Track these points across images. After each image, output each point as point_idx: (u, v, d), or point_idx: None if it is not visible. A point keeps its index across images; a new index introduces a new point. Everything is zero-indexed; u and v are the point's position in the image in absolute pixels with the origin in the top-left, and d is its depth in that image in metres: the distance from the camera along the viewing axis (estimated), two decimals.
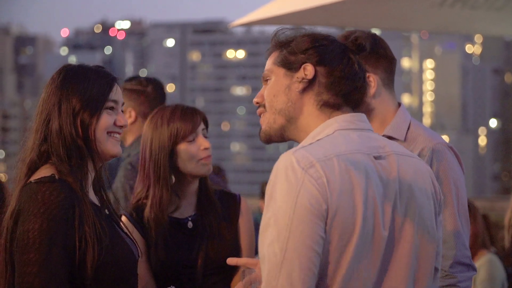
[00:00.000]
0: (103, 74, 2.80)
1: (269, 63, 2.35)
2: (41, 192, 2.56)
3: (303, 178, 2.08)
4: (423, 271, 2.25)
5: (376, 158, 2.20)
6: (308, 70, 2.26)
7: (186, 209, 3.38)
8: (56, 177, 2.60)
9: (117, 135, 2.79)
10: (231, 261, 2.67)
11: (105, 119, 2.73)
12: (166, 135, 3.30)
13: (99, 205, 2.77)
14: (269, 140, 2.35)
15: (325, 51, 2.28)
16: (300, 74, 2.27)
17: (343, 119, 2.25)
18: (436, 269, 2.35)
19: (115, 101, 2.78)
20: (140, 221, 3.29)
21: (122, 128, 2.80)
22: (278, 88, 2.30)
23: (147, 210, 3.29)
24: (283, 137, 2.33)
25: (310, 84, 2.26)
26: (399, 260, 2.20)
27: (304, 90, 2.27)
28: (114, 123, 2.77)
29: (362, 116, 2.29)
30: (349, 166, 2.13)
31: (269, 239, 2.08)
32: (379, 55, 3.14)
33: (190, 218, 3.35)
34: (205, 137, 3.38)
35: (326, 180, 2.09)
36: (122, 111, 2.83)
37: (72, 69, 2.77)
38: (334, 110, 2.26)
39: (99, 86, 2.74)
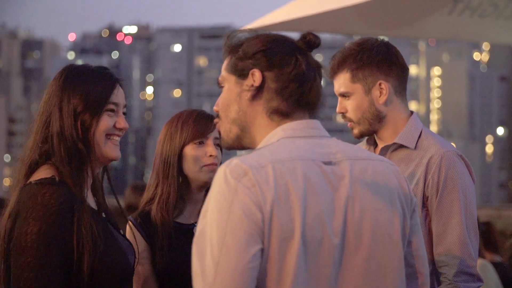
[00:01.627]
0: (106, 75, 2.76)
1: (222, 69, 2.29)
2: (41, 194, 2.52)
3: (236, 188, 2.02)
4: (389, 277, 2.15)
5: (325, 163, 2.12)
6: (256, 76, 2.19)
7: (191, 215, 3.40)
8: (57, 179, 2.57)
9: (117, 138, 2.76)
10: None
11: (105, 121, 2.70)
12: (178, 135, 3.35)
13: (97, 208, 2.74)
14: (229, 147, 2.28)
15: (272, 54, 2.19)
16: (249, 81, 2.20)
17: (289, 127, 2.18)
18: (418, 273, 2.28)
19: (116, 104, 2.75)
20: (144, 226, 3.32)
21: (122, 131, 2.76)
22: (230, 97, 2.24)
23: (153, 209, 3.32)
24: (242, 145, 2.26)
25: (259, 91, 2.19)
26: (355, 267, 2.11)
27: (253, 98, 2.20)
28: (114, 126, 2.74)
29: (314, 122, 2.21)
30: (285, 172, 2.05)
31: (204, 256, 2.01)
32: (391, 62, 3.16)
33: (195, 224, 3.34)
34: (218, 146, 3.39)
35: (259, 188, 2.02)
36: (124, 113, 2.79)
37: (74, 70, 2.75)
38: (284, 118, 2.19)
39: (101, 88, 2.71)
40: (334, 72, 3.19)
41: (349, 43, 3.21)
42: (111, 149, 2.73)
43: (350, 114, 3.18)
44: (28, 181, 2.60)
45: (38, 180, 2.57)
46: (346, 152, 2.18)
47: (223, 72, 2.28)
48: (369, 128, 3.19)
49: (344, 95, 3.19)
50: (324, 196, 2.08)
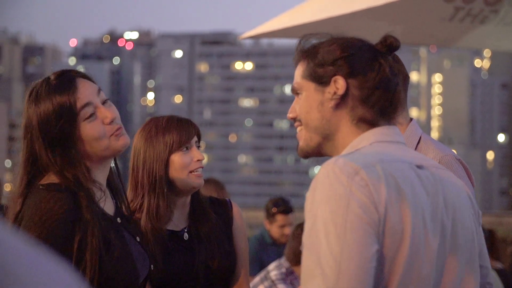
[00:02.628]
0: (63, 81, 2.58)
1: (297, 76, 2.19)
2: (46, 200, 2.48)
3: (350, 187, 1.92)
4: (472, 282, 2.13)
5: (418, 167, 2.08)
6: (340, 84, 2.11)
7: (180, 221, 3.32)
8: (63, 186, 2.51)
9: (117, 129, 2.60)
10: None
11: (91, 130, 2.57)
12: (162, 144, 3.25)
13: (113, 210, 2.68)
14: (306, 156, 2.22)
15: (355, 60, 2.12)
16: (331, 88, 2.11)
17: (379, 132, 2.11)
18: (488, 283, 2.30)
19: (88, 104, 2.57)
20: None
21: (115, 121, 2.60)
22: (310, 105, 2.15)
23: (143, 222, 3.21)
24: (321, 153, 2.19)
25: (342, 99, 2.11)
26: (452, 270, 2.08)
27: (337, 106, 2.11)
28: (103, 123, 2.58)
29: (396, 129, 2.16)
30: (394, 172, 1.99)
31: (322, 259, 1.89)
32: None
33: (185, 230, 3.30)
34: (198, 148, 3.35)
35: (372, 187, 1.94)
36: (106, 99, 2.61)
37: (34, 98, 2.58)
38: (372, 126, 2.12)
39: (59, 105, 2.54)
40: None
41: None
42: (116, 142, 2.60)
43: None
44: (38, 184, 2.55)
45: (46, 184, 2.53)
46: (426, 160, 2.15)
47: (299, 79, 2.18)
48: None
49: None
50: (423, 199, 2.04)
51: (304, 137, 2.18)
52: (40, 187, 2.53)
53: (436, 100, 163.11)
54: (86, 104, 2.56)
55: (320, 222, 1.91)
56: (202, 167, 3.31)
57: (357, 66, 2.11)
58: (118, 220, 2.68)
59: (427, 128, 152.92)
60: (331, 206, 1.91)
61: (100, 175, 2.64)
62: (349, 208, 1.91)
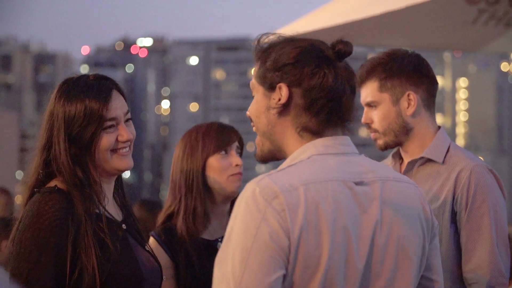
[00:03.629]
0: (99, 89, 2.68)
1: (253, 75, 2.27)
2: (38, 202, 2.56)
3: (265, 211, 1.98)
4: None
5: (356, 184, 2.10)
6: (283, 92, 2.15)
7: (216, 230, 3.37)
8: (57, 188, 2.59)
9: (125, 150, 2.71)
10: None
11: (105, 140, 2.67)
12: (200, 147, 3.31)
13: (120, 219, 2.73)
14: (263, 160, 2.25)
15: (300, 68, 2.14)
16: (276, 95, 2.16)
17: (321, 143, 2.14)
18: None
19: (114, 118, 2.69)
20: (168, 242, 3.26)
21: (128, 142, 2.72)
22: (259, 109, 2.21)
23: (179, 224, 3.26)
24: (275, 157, 2.24)
25: (286, 107, 2.16)
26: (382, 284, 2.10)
27: (280, 114, 2.17)
28: (117, 139, 2.69)
29: (345, 139, 2.17)
30: (316, 195, 2.03)
31: (225, 275, 1.99)
32: (422, 74, 3.15)
33: (219, 240, 3.32)
34: (239, 154, 3.40)
35: (289, 213, 1.99)
36: (129, 119, 2.74)
37: (67, 89, 2.69)
38: (316, 136, 2.15)
39: (94, 106, 2.65)
40: (362, 81, 3.17)
41: (378, 53, 3.21)
42: (118, 161, 2.69)
43: (376, 125, 3.16)
44: (36, 191, 2.63)
45: (41, 189, 2.60)
46: (376, 172, 2.15)
47: (253, 80, 2.24)
48: (395, 139, 3.16)
49: (370, 105, 3.17)
50: (353, 219, 2.05)
51: (258, 143, 2.24)
52: (36, 192, 2.61)
53: (462, 106, 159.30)
54: (113, 118, 2.68)
55: (232, 240, 2.00)
56: (241, 173, 3.35)
57: (301, 75, 2.13)
58: (124, 226, 2.72)
59: (452, 135, 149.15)
60: (243, 227, 1.98)
61: (105, 186, 2.73)
62: (258, 233, 1.96)
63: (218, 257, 2.02)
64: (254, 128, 2.25)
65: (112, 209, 2.72)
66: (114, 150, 2.67)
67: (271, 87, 2.16)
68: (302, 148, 2.13)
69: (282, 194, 1.99)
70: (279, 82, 2.14)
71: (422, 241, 2.16)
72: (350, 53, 2.16)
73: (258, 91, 2.20)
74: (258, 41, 2.21)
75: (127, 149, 2.70)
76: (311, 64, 2.12)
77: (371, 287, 2.07)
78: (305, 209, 1.99)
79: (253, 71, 2.25)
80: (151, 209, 6.16)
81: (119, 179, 2.81)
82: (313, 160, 2.10)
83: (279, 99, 2.14)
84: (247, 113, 2.25)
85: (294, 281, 1.98)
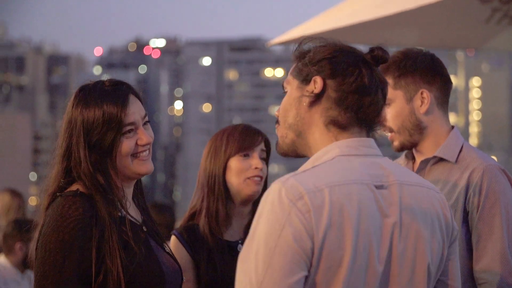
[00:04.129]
0: (116, 95, 2.70)
1: (289, 74, 2.30)
2: (62, 206, 2.57)
3: (290, 212, 2.00)
4: None
5: (377, 187, 2.12)
6: (317, 83, 2.18)
7: (236, 231, 3.39)
8: (79, 191, 2.61)
9: (144, 153, 2.73)
10: None
11: (125, 145, 2.68)
12: (224, 148, 3.34)
13: (140, 221, 2.75)
14: (284, 154, 2.27)
15: (336, 63, 2.19)
16: (310, 87, 2.20)
17: (346, 144, 2.16)
18: None
19: (132, 123, 2.70)
20: (189, 241, 3.29)
21: (147, 146, 2.73)
22: (290, 101, 2.24)
23: (201, 223, 3.29)
24: (297, 153, 2.25)
25: (318, 98, 2.18)
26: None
27: (312, 105, 2.19)
28: (137, 143, 2.71)
29: (369, 141, 2.20)
30: (341, 197, 2.05)
31: (247, 273, 2.01)
32: (436, 72, 3.16)
33: (240, 242, 3.35)
34: (264, 160, 3.39)
35: (314, 215, 2.01)
36: (146, 122, 2.76)
37: (84, 96, 2.69)
38: (341, 130, 2.18)
39: (112, 111, 2.66)
40: None
41: (393, 52, 3.22)
42: (139, 166, 2.71)
43: (389, 123, 3.17)
44: (57, 195, 2.64)
45: (64, 193, 2.62)
46: (397, 176, 2.17)
47: (289, 76, 2.27)
48: (409, 139, 3.17)
49: None
50: (375, 222, 2.08)
51: (281, 134, 2.25)
52: (58, 196, 2.63)
53: (475, 105, 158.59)
54: (132, 123, 2.69)
55: (256, 238, 2.02)
56: (261, 177, 3.34)
57: (337, 69, 2.17)
58: (144, 228, 2.74)
59: (465, 134, 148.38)
60: (268, 227, 2.00)
61: (126, 190, 2.74)
62: (282, 234, 1.98)
63: (241, 254, 2.04)
64: (276, 126, 2.26)
65: (133, 212, 2.73)
66: (134, 155, 2.69)
67: (306, 80, 2.19)
68: (326, 149, 2.15)
69: (307, 195, 2.02)
70: (314, 75, 2.18)
71: (442, 245, 2.18)
72: (386, 59, 2.20)
73: (292, 85, 2.23)
74: (299, 44, 2.25)
75: (147, 152, 2.72)
76: (347, 61, 2.17)
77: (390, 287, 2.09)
78: (330, 211, 2.01)
79: (289, 71, 2.27)
80: (161, 211, 6.19)
81: (138, 182, 2.83)
82: (337, 161, 2.12)
83: (313, 90, 2.17)
84: (276, 113, 2.27)
85: (316, 282, 2.01)
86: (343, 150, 2.14)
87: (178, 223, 3.80)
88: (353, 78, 2.15)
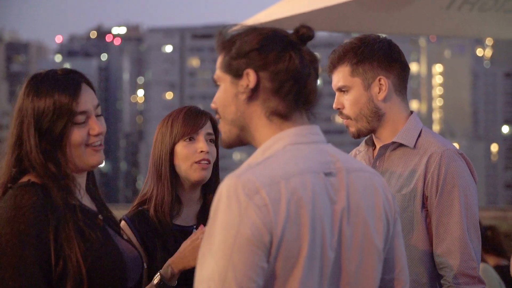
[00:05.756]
0: (67, 83, 2.69)
1: (217, 67, 2.28)
2: (14, 196, 2.55)
3: (246, 207, 2.01)
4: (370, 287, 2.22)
5: (326, 175, 2.15)
6: (250, 77, 2.17)
7: (189, 217, 3.35)
8: (31, 181, 2.59)
9: (96, 144, 2.71)
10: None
11: (76, 135, 2.67)
12: (169, 134, 3.29)
13: (96, 210, 2.75)
14: (229, 147, 2.29)
15: (266, 52, 2.17)
16: (244, 81, 2.18)
17: (293, 133, 2.18)
18: (396, 280, 2.31)
19: (84, 112, 2.68)
20: (141, 228, 3.24)
21: (100, 136, 2.72)
22: (226, 98, 2.22)
23: (151, 211, 3.25)
24: (242, 143, 2.27)
25: (255, 92, 2.18)
26: (346, 279, 2.16)
27: (250, 99, 2.18)
28: (89, 133, 2.69)
29: (315, 128, 2.22)
30: (297, 189, 2.07)
31: (208, 270, 2.02)
32: (393, 59, 3.16)
33: (195, 227, 3.30)
34: (212, 142, 3.34)
35: (271, 208, 2.02)
36: (100, 115, 2.74)
37: (34, 85, 2.68)
38: (283, 120, 2.18)
39: (63, 100, 2.64)
40: (334, 66, 3.18)
41: (350, 38, 3.21)
42: (91, 156, 2.69)
43: (347, 110, 3.16)
44: (9, 187, 2.62)
45: (16, 185, 2.60)
46: (344, 162, 2.21)
47: (218, 71, 2.25)
48: (367, 126, 3.16)
49: (342, 90, 3.17)
50: (326, 210, 2.11)
51: (224, 130, 2.26)
52: (10, 188, 2.60)
53: (437, 91, 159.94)
54: (83, 112, 2.67)
55: (214, 235, 2.02)
56: (208, 160, 3.28)
57: (267, 59, 2.16)
58: (100, 217, 2.73)
59: (428, 120, 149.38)
60: (225, 224, 2.01)
61: (79, 180, 2.73)
62: (240, 230, 1.99)
63: (201, 250, 2.05)
64: (217, 116, 2.28)
65: (87, 202, 2.72)
66: (87, 145, 2.67)
67: (237, 74, 2.18)
68: (275, 138, 2.17)
69: (263, 189, 2.02)
70: (245, 68, 2.17)
71: (387, 228, 2.23)
72: (312, 37, 2.20)
73: (224, 80, 2.22)
74: (220, 33, 2.23)
75: (99, 143, 2.70)
76: (276, 48, 2.16)
77: (342, 274, 2.13)
78: (287, 203, 2.03)
79: (217, 63, 2.25)
80: None
81: (90, 173, 2.82)
82: (288, 150, 2.14)
83: (247, 85, 2.16)
84: (212, 105, 2.26)
85: (276, 273, 2.03)
86: (292, 138, 2.15)
87: None
88: (285, 64, 2.15)
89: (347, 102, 3.14)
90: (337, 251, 2.12)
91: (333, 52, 3.18)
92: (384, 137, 3.17)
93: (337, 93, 3.17)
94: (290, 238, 2.02)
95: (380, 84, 3.11)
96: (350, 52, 3.12)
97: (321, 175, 2.13)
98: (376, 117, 3.13)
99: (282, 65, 2.15)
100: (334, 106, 3.17)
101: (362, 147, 3.30)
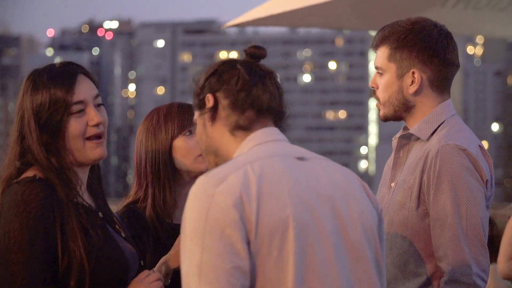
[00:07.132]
0: (62, 74, 2.71)
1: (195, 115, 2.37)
2: (21, 192, 2.56)
3: (213, 194, 2.07)
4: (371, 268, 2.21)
5: (299, 159, 2.21)
6: (209, 99, 2.24)
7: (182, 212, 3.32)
8: (37, 177, 2.60)
9: (99, 134, 2.70)
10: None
11: (73, 126, 2.67)
12: (164, 131, 3.20)
13: (95, 207, 2.75)
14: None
15: (218, 74, 2.26)
16: (206, 107, 2.27)
17: (257, 135, 2.23)
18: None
19: (82, 101, 2.68)
20: (131, 225, 3.10)
21: (100, 126, 2.71)
22: (200, 132, 2.30)
23: (148, 213, 3.16)
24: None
25: (215, 111, 2.25)
26: (354, 245, 2.18)
27: (213, 120, 2.26)
28: (87, 124, 2.69)
29: (276, 129, 2.27)
30: (266, 167, 2.13)
31: (186, 258, 2.07)
32: (435, 53, 3.01)
33: None
34: None
35: (241, 188, 2.07)
36: (100, 104, 2.74)
37: (32, 81, 2.71)
38: (247, 132, 2.25)
39: (58, 92, 2.66)
40: (377, 44, 3.09)
41: (405, 19, 3.09)
42: (91, 150, 2.68)
43: (379, 93, 3.07)
44: (12, 181, 2.63)
45: (20, 179, 2.60)
46: (311, 154, 2.27)
47: (195, 116, 2.34)
48: (393, 113, 3.06)
49: (378, 71, 3.09)
50: (306, 183, 2.15)
51: (207, 163, 2.33)
52: (14, 183, 2.61)
53: None
54: (80, 101, 2.67)
55: (186, 226, 2.08)
56: None
57: (220, 78, 2.25)
58: (100, 214, 2.73)
59: None
60: (195, 213, 2.07)
61: (80, 175, 2.73)
62: (209, 214, 2.05)
63: (181, 250, 2.10)
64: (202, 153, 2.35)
65: (88, 199, 2.72)
66: (88, 138, 2.67)
67: (201, 105, 2.26)
68: (242, 145, 2.23)
69: (230, 175, 2.09)
70: (206, 95, 2.25)
71: (375, 213, 2.26)
72: (263, 55, 2.29)
73: (197, 119, 2.31)
74: (193, 80, 2.32)
75: (101, 132, 2.69)
76: (226, 67, 2.26)
77: (347, 241, 2.15)
78: (257, 180, 2.08)
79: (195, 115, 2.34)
80: None
81: (95, 168, 2.81)
82: (254, 149, 2.20)
83: (208, 108, 2.24)
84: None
85: (263, 246, 2.05)
86: (257, 140, 2.21)
87: None
88: (235, 79, 2.22)
89: (380, 85, 3.06)
90: (334, 223, 2.14)
91: (382, 29, 3.10)
92: (411, 127, 3.07)
93: (375, 72, 3.11)
94: (270, 210, 2.06)
95: (413, 77, 2.99)
96: (394, 35, 3.02)
97: (293, 158, 2.18)
98: (403, 108, 3.03)
99: (233, 80, 2.22)
100: (370, 84, 3.13)
101: (398, 133, 3.18)
